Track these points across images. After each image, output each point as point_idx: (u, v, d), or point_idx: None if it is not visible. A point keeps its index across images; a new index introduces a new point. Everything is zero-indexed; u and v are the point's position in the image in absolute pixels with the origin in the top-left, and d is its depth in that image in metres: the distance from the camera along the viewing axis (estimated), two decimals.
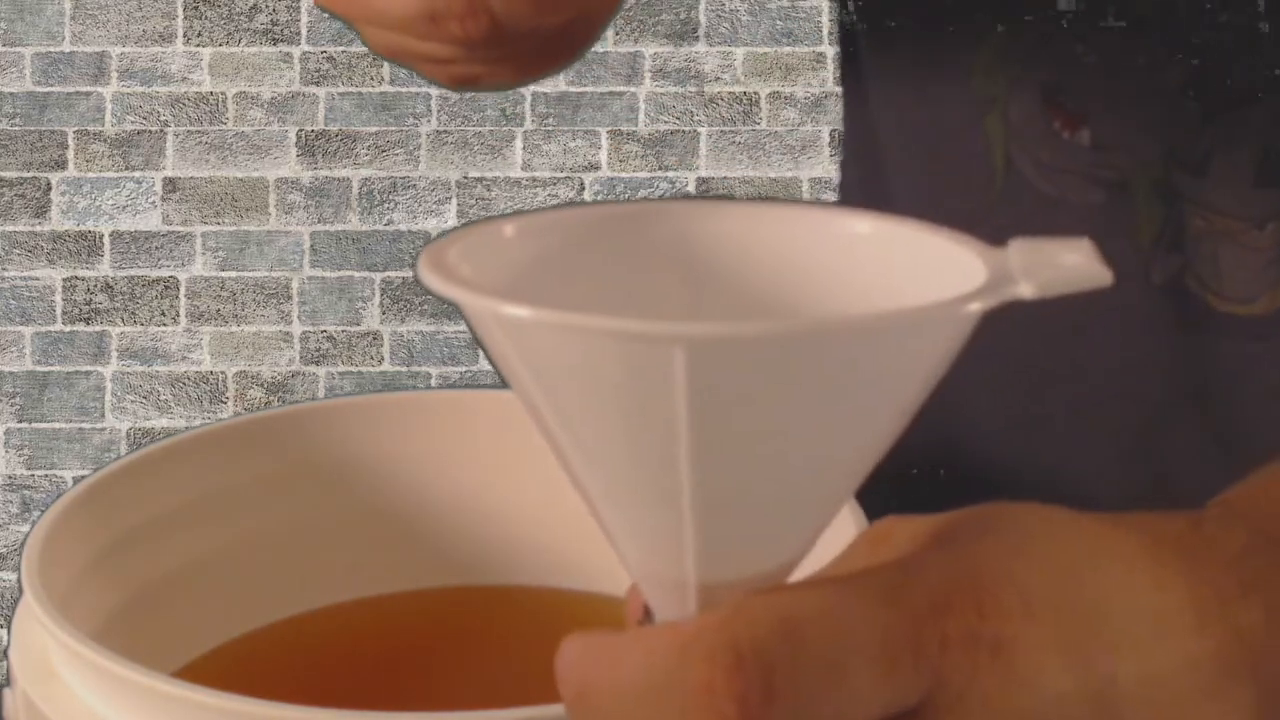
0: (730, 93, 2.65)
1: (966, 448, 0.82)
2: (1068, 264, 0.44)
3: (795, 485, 0.44)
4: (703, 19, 2.64)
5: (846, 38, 0.87)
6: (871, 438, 0.44)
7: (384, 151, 2.62)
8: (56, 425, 2.64)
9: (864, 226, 0.47)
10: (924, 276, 0.45)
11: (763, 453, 0.42)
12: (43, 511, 0.62)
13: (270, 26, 2.61)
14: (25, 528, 2.71)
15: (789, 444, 0.43)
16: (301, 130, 2.62)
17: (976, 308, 0.42)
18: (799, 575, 0.46)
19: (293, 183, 2.62)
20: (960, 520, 0.48)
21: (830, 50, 2.62)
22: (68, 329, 2.64)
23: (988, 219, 0.79)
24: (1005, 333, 0.81)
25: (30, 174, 2.63)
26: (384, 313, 2.63)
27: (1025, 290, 0.43)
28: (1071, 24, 0.76)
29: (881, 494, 0.56)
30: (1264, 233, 0.75)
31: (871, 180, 0.86)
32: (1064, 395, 0.80)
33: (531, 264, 0.46)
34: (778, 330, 0.41)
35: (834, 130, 2.63)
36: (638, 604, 0.47)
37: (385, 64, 2.57)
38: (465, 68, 0.70)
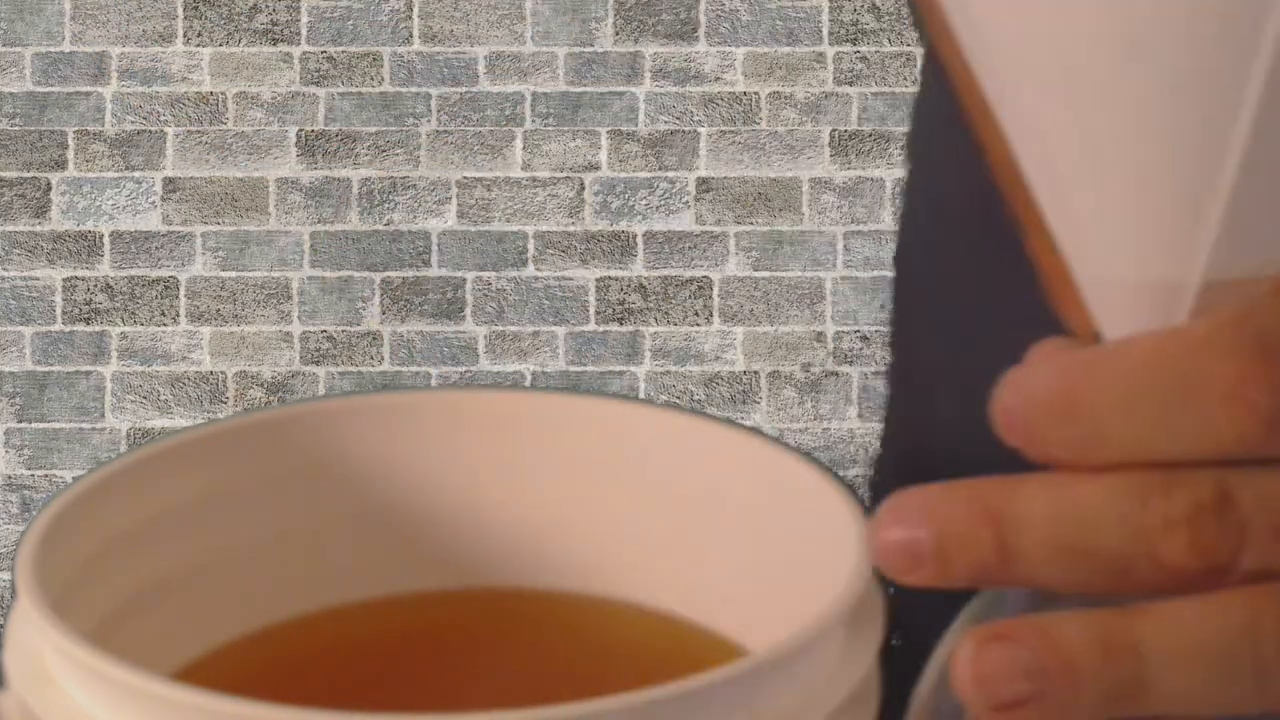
0: (730, 93, 2.65)
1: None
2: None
3: None
4: (703, 19, 2.64)
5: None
6: None
7: (384, 151, 2.62)
8: (56, 425, 2.64)
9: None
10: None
11: None
12: None
13: (270, 26, 2.60)
14: (25, 528, 2.71)
15: None
16: (301, 130, 2.62)
17: None
18: None
19: (293, 183, 2.62)
20: None
21: (830, 50, 2.62)
22: (68, 329, 2.64)
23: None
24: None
25: (30, 174, 2.63)
26: (384, 312, 2.63)
27: None
28: None
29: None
30: None
31: (930, 244, 0.84)
32: None
33: None
34: None
35: (834, 130, 2.63)
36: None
37: (385, 64, 2.57)
38: None
